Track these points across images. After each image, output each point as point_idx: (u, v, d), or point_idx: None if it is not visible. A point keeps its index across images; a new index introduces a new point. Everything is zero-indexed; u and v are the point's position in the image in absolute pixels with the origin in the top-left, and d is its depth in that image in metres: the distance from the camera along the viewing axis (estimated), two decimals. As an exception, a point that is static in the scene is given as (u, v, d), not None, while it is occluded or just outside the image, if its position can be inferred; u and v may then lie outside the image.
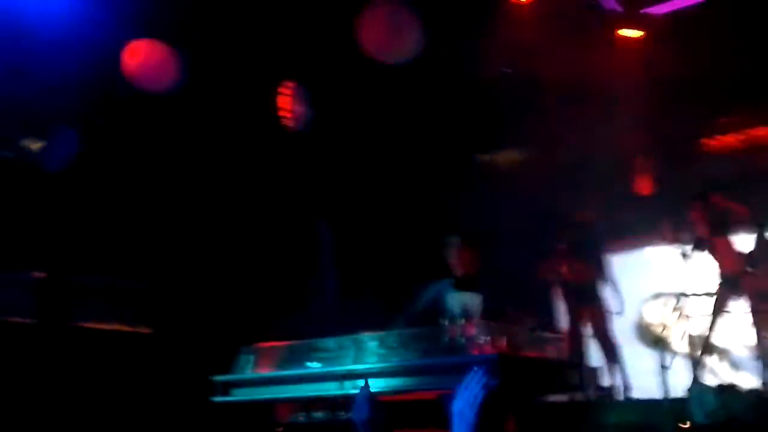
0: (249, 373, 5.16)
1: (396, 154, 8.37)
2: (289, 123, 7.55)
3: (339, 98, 7.88)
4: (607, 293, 7.15)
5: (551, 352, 5.42)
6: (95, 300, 7.39)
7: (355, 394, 2.74)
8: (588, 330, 6.93)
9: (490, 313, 5.31)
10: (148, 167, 7.48)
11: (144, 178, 7.50)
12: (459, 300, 5.37)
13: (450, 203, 7.91)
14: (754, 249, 6.82)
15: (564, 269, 7.28)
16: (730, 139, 8.59)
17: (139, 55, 6.57)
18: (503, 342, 4.90)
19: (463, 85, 8.01)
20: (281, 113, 7.59)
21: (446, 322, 5.05)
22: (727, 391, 6.05)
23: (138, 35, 6.62)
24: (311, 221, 7.65)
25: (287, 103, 7.59)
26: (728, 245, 6.83)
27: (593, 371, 6.24)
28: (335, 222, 7.72)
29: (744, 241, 6.98)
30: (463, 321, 5.13)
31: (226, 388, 5.20)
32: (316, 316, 6.78)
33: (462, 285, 5.41)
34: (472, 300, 5.34)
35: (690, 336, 6.83)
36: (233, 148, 7.73)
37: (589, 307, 7.04)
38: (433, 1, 6.75)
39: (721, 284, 6.76)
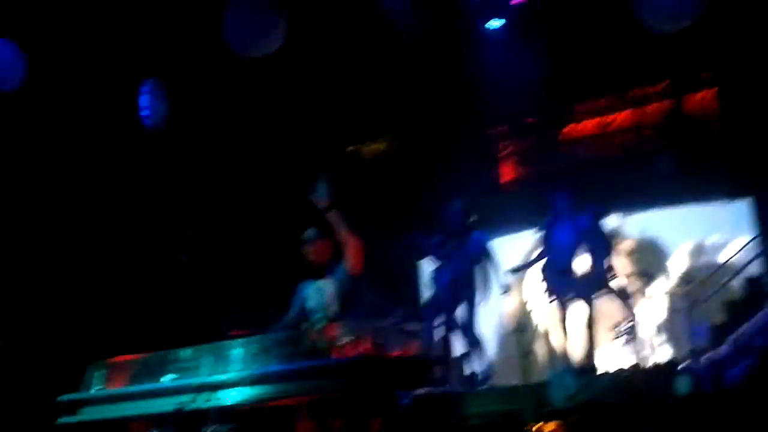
0: (98, 390, 4.87)
1: (260, 149, 8.19)
2: (147, 120, 7.22)
3: (202, 95, 7.63)
4: (475, 282, 7.19)
5: (415, 347, 5.43)
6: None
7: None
8: (454, 320, 6.96)
9: (355, 306, 5.22)
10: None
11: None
12: (315, 292, 5.24)
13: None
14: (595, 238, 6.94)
15: (434, 260, 7.29)
16: (585, 126, 8.97)
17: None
18: (367, 342, 4.85)
19: (326, 76, 7.92)
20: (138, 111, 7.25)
21: (307, 325, 4.95)
22: (586, 374, 6.23)
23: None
24: (173, 222, 7.36)
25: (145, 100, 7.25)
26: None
27: (456, 362, 6.31)
28: (198, 223, 7.46)
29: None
30: (324, 322, 5.05)
31: (74, 407, 4.88)
32: (177, 323, 6.53)
33: (317, 275, 5.27)
34: (326, 288, 5.22)
35: (548, 321, 7.00)
36: (84, 148, 7.35)
37: (457, 296, 7.05)
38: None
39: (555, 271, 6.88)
